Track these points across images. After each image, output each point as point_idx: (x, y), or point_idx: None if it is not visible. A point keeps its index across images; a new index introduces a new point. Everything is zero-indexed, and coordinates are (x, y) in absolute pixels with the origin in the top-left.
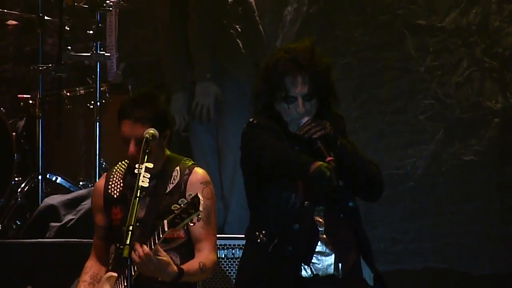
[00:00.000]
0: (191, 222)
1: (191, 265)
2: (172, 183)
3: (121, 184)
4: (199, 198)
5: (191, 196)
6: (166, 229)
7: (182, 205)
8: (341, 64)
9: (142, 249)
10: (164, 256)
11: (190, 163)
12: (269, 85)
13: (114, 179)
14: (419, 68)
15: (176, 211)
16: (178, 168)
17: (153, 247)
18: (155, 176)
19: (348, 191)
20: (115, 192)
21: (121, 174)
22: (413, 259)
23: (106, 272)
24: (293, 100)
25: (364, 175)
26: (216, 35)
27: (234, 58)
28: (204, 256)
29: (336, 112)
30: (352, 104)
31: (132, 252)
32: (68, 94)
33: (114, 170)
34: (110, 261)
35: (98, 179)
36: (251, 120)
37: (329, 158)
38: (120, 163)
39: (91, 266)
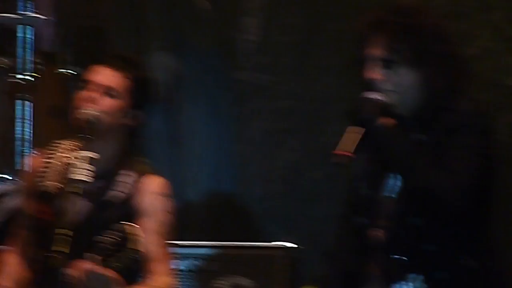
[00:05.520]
0: (130, 256)
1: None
2: (121, 190)
3: (62, 173)
4: (134, 234)
5: (125, 229)
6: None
7: (114, 238)
8: None
9: (84, 263)
10: (111, 274)
11: (147, 168)
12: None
13: (54, 164)
14: None
15: (109, 246)
16: (131, 172)
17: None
18: (102, 176)
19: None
20: (49, 181)
21: (63, 161)
22: None
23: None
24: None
25: (410, 183)
26: None
27: (194, 21)
28: (158, 279)
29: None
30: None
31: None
32: None
33: (60, 147)
34: (34, 272)
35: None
36: None
37: (341, 152)
38: (68, 141)
39: (15, 269)
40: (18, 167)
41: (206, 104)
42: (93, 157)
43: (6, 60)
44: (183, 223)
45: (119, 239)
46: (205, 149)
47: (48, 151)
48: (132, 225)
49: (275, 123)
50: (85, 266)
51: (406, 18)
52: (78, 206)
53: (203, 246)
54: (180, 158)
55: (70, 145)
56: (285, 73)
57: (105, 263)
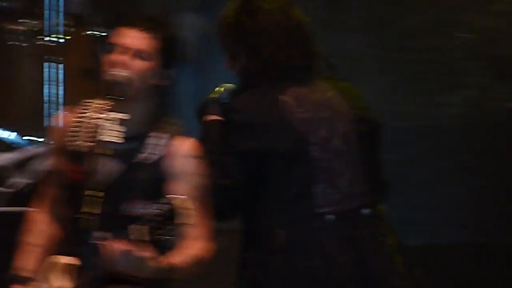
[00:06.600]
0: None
1: (180, 257)
2: (152, 153)
3: (93, 133)
4: (185, 207)
5: (174, 201)
6: (146, 238)
7: (162, 210)
8: None
9: (120, 243)
10: (147, 254)
11: (178, 129)
12: None
13: (86, 123)
14: None
15: (156, 218)
16: (162, 133)
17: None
18: (132, 137)
19: None
20: (80, 141)
21: (94, 121)
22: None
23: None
24: None
25: None
26: None
27: None
28: (194, 245)
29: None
30: (362, 39)
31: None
32: (12, 27)
33: (90, 107)
34: (65, 232)
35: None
36: None
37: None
38: (98, 101)
39: (45, 228)
40: (46, 128)
41: None
42: (123, 118)
43: (34, 23)
44: None
45: (167, 212)
46: None
47: (79, 110)
48: (182, 198)
49: None
50: (121, 246)
51: (237, 16)
52: (109, 168)
53: None
54: None
55: (100, 106)
56: None
57: (151, 236)
